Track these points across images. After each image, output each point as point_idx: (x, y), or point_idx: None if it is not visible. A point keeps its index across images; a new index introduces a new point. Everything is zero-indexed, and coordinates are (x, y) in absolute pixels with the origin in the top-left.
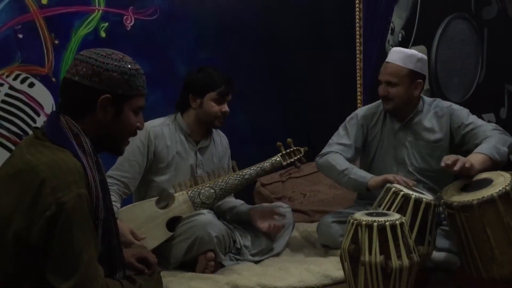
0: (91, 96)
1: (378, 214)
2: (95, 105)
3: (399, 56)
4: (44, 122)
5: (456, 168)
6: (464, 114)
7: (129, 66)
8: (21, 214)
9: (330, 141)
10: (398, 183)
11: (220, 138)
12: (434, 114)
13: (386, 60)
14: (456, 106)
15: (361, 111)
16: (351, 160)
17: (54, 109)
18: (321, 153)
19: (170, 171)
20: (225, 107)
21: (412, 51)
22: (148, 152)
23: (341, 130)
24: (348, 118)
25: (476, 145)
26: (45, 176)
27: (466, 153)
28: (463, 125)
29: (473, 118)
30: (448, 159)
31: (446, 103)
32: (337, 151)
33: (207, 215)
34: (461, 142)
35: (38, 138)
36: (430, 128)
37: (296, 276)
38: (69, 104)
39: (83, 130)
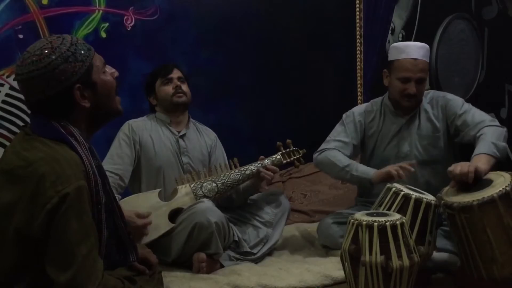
0: (64, 98)
1: (378, 214)
2: (75, 100)
3: (423, 51)
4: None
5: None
6: (458, 104)
7: (64, 47)
8: (21, 209)
9: (328, 138)
10: (400, 175)
11: (206, 131)
12: (431, 105)
13: (410, 56)
14: (450, 96)
15: (357, 108)
16: (350, 157)
17: None
18: (319, 149)
19: (158, 162)
20: (175, 82)
21: (426, 45)
22: (134, 143)
23: (338, 127)
24: (344, 115)
25: (473, 136)
26: (44, 171)
27: (462, 146)
28: (456, 115)
29: (466, 107)
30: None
31: (441, 93)
32: (335, 147)
33: (206, 203)
34: (456, 132)
35: (29, 135)
36: (431, 119)
37: (296, 276)
38: (52, 115)
39: (73, 123)
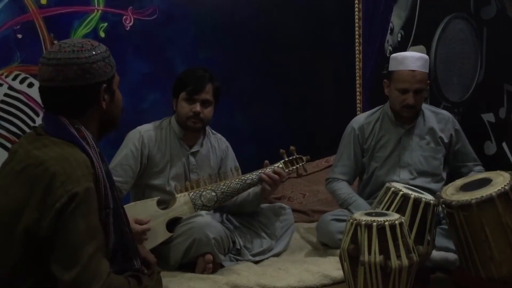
0: (90, 92)
1: (377, 214)
2: (96, 99)
3: (421, 62)
4: (41, 122)
5: None
6: (463, 135)
7: (102, 49)
8: (32, 208)
9: (333, 164)
10: None
11: (218, 142)
12: (436, 117)
13: (408, 68)
14: (457, 124)
15: (356, 122)
16: (355, 177)
17: None
18: (327, 177)
19: (164, 175)
20: (196, 107)
21: (425, 55)
22: (142, 156)
23: (340, 147)
24: (345, 132)
25: (456, 167)
26: (55, 170)
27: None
28: (459, 143)
29: (466, 140)
30: None
31: (446, 112)
32: (340, 177)
33: (205, 217)
34: (447, 154)
35: (40, 135)
36: (434, 132)
37: (295, 276)
38: (66, 109)
39: (84, 124)
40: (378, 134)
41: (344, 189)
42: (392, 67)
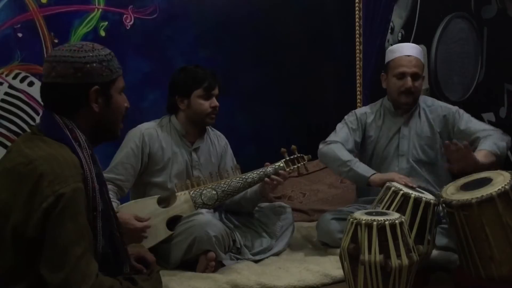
0: (80, 92)
1: (377, 213)
2: (86, 100)
3: (416, 50)
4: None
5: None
6: (458, 115)
7: (103, 52)
8: (19, 207)
9: (333, 132)
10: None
11: (217, 139)
12: (431, 108)
13: (404, 54)
14: (449, 105)
15: (358, 110)
16: (351, 152)
17: None
18: (325, 140)
19: (166, 172)
20: (214, 102)
21: (418, 46)
22: (143, 155)
23: (340, 124)
24: (346, 116)
25: (470, 143)
26: (43, 170)
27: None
28: (455, 125)
29: (466, 116)
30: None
31: (438, 101)
32: (340, 141)
33: (206, 215)
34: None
35: (35, 134)
36: (429, 122)
37: (295, 275)
38: (59, 106)
39: (78, 125)
40: (378, 124)
41: (344, 150)
42: (388, 58)
